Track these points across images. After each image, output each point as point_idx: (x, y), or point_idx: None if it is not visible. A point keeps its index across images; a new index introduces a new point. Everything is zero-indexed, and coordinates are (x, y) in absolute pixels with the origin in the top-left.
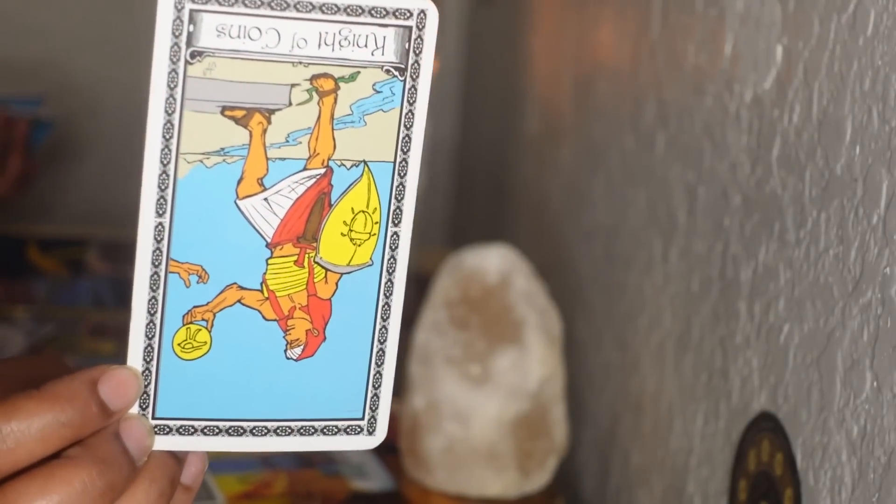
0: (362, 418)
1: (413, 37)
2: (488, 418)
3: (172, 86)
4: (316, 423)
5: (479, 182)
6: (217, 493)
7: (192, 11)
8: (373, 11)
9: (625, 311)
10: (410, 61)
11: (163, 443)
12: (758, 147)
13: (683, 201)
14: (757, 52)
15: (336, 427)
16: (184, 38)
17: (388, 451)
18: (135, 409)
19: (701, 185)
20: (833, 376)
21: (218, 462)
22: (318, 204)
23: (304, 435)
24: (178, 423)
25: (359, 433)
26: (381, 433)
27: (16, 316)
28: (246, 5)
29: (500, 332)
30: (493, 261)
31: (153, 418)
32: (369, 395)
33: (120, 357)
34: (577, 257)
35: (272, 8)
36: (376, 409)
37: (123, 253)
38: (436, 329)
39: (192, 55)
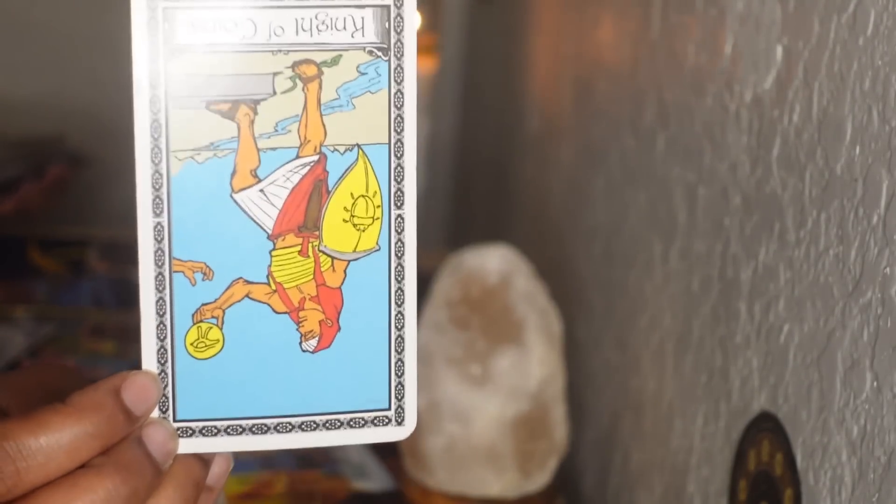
0: (389, 408)
1: (392, 15)
2: (489, 418)
3: (155, 84)
4: (341, 416)
5: (479, 182)
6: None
7: (165, 9)
8: None
9: (625, 312)
10: (393, 40)
11: (187, 445)
12: (758, 147)
13: (683, 201)
14: (757, 51)
15: (363, 419)
16: (160, 36)
17: (388, 451)
18: (155, 413)
19: (701, 185)
20: (833, 376)
21: None
22: (315, 191)
23: (331, 429)
24: (201, 424)
25: (387, 424)
26: (410, 423)
27: (16, 316)
28: None
29: (500, 332)
30: (493, 261)
31: (175, 421)
32: (393, 383)
33: (124, 359)
34: (577, 257)
35: None
36: (402, 398)
37: (124, 253)
38: (436, 329)
39: (171, 52)
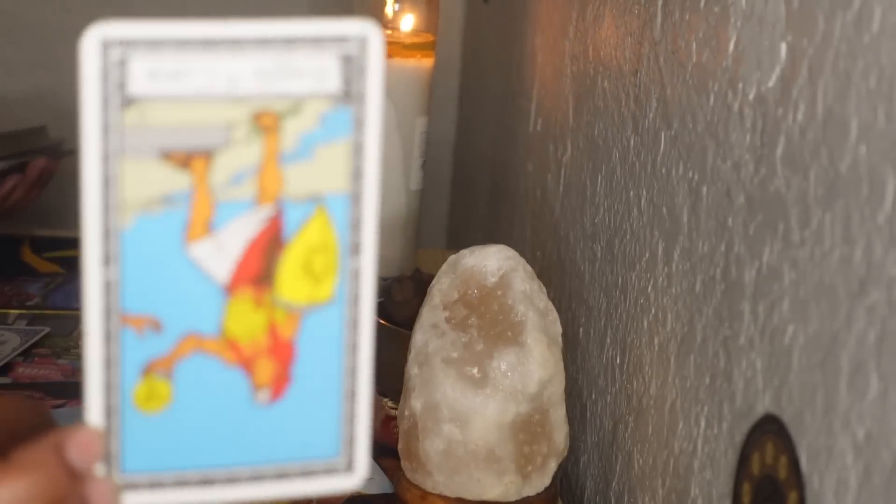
0: (337, 457)
1: (356, 64)
2: (488, 420)
3: (106, 136)
4: (290, 467)
5: (479, 182)
6: None
7: (120, 57)
8: (311, 41)
9: (626, 312)
10: (356, 89)
11: (132, 500)
12: (761, 146)
13: (686, 201)
14: (760, 49)
15: (312, 469)
16: (114, 85)
17: (386, 454)
18: (102, 469)
19: (704, 185)
20: (838, 378)
21: None
22: (271, 243)
23: (280, 480)
24: (146, 477)
25: (337, 473)
26: (360, 471)
27: (9, 317)
28: (175, 47)
29: (499, 333)
30: (492, 261)
31: (120, 473)
32: (344, 434)
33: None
34: (577, 257)
35: (204, 48)
36: (353, 447)
37: None
38: (434, 330)
39: (125, 102)
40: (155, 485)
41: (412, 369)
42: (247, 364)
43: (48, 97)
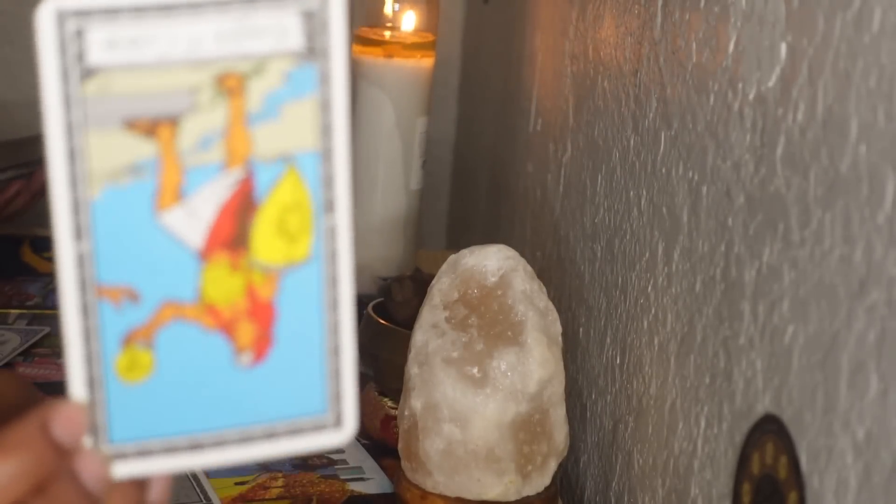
0: (326, 412)
1: (318, 19)
2: (488, 420)
3: (68, 108)
4: (278, 426)
5: (479, 182)
6: (213, 495)
7: (76, 28)
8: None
9: (626, 312)
10: (319, 45)
11: (122, 469)
12: (761, 146)
13: (686, 201)
14: (760, 49)
15: (300, 427)
16: (72, 56)
17: (386, 454)
18: (88, 440)
19: (704, 185)
20: (838, 378)
21: None
22: (243, 205)
23: (269, 439)
24: (135, 446)
25: (325, 429)
26: (349, 426)
27: (9, 317)
28: (133, 14)
29: (499, 332)
30: (492, 261)
31: (108, 444)
32: (330, 390)
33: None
34: (577, 257)
35: (162, 13)
36: (341, 402)
37: None
38: (435, 330)
39: (85, 73)
40: (144, 453)
41: (412, 369)
42: (227, 328)
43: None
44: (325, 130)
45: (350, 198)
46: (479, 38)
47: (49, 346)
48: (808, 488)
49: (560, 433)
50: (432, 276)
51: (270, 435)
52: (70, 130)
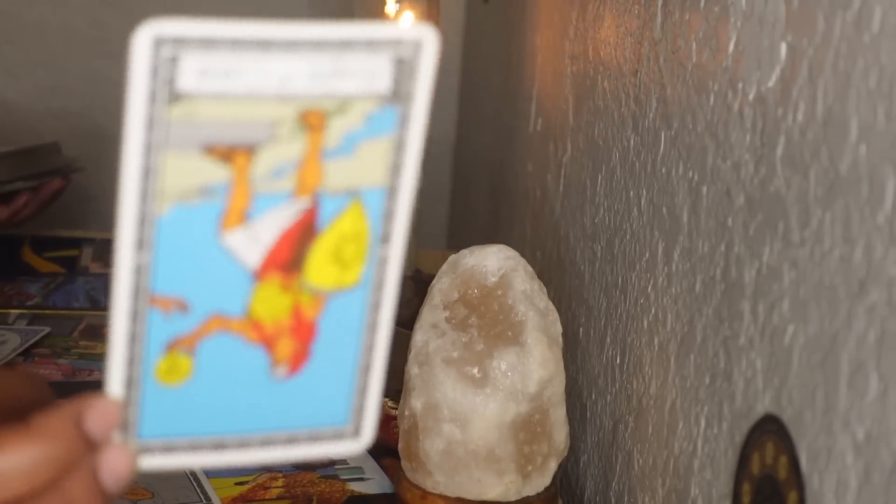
0: (346, 424)
1: (408, 66)
2: (488, 420)
3: (150, 129)
4: (300, 433)
5: (479, 182)
6: (213, 495)
7: (171, 54)
8: (366, 44)
9: (626, 312)
10: (404, 89)
11: (146, 463)
12: (761, 146)
13: (686, 201)
14: (760, 49)
15: (320, 434)
16: (162, 81)
17: (386, 454)
18: (118, 436)
19: (704, 185)
20: (838, 378)
21: None
22: (304, 232)
23: (289, 444)
24: (161, 442)
25: (344, 438)
26: (366, 436)
27: (9, 317)
28: (229, 47)
29: (499, 333)
30: (492, 261)
31: (137, 439)
32: (355, 403)
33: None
34: (577, 257)
35: (257, 47)
36: (363, 415)
37: None
38: (435, 330)
39: (172, 98)
40: (169, 449)
41: (412, 369)
42: (268, 342)
43: (48, 97)
44: (396, 169)
45: (406, 230)
46: (480, 38)
47: (49, 346)
48: (808, 488)
49: (560, 433)
50: (432, 276)
51: (292, 440)
52: (149, 149)
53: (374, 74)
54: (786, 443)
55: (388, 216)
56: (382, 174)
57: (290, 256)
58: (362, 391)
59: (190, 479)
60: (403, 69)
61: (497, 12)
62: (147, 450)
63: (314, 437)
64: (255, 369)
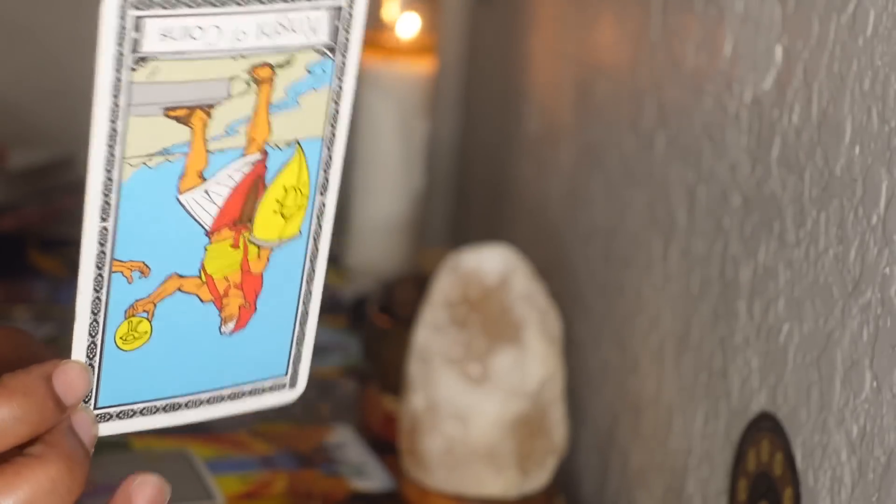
0: (285, 375)
1: (343, 15)
2: (488, 418)
3: (116, 94)
4: (245, 387)
5: (479, 182)
6: (216, 492)
7: (136, 18)
8: None
9: (624, 312)
10: (340, 39)
11: (104, 429)
12: (757, 147)
13: (683, 201)
14: (756, 52)
15: (262, 388)
16: (128, 45)
17: (387, 451)
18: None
19: (700, 185)
20: (833, 376)
21: (218, 462)
22: (253, 187)
23: (234, 399)
24: (118, 409)
25: (281, 389)
26: (300, 386)
27: (15, 316)
28: (189, 6)
29: (499, 332)
30: (492, 261)
31: (95, 408)
32: (293, 352)
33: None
34: (576, 257)
35: (214, 5)
36: (298, 364)
37: None
38: (435, 329)
39: (137, 61)
40: (125, 415)
41: (413, 368)
42: (219, 299)
43: (50, 99)
44: (332, 119)
45: (339, 180)
46: (481, 39)
47: (55, 344)
48: (803, 485)
49: (559, 431)
50: (433, 275)
51: (236, 395)
52: (115, 115)
53: (316, 27)
54: (781, 440)
55: (325, 165)
56: (321, 125)
57: (240, 212)
58: (299, 341)
59: (194, 476)
60: (340, 19)
61: (497, 13)
62: (105, 416)
63: (256, 391)
64: (206, 327)
